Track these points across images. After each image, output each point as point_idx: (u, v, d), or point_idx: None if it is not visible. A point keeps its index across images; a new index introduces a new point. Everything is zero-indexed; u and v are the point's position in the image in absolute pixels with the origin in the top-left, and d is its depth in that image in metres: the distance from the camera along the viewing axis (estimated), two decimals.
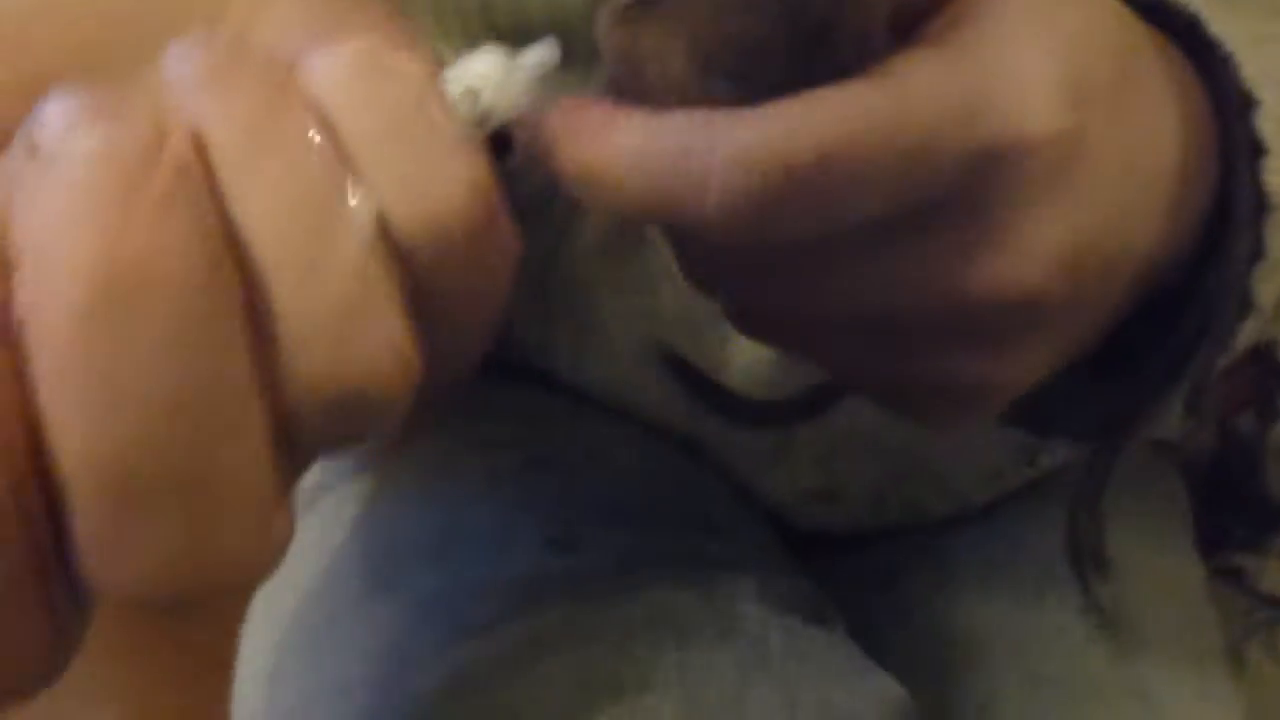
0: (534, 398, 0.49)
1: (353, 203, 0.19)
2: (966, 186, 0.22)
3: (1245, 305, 0.27)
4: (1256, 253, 0.27)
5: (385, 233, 0.19)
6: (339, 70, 0.20)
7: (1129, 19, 0.26)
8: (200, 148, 0.18)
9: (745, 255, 0.24)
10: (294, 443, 0.19)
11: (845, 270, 0.24)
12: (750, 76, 0.21)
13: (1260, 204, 0.27)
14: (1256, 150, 0.26)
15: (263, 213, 0.18)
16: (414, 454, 0.47)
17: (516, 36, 0.34)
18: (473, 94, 0.22)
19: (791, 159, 0.21)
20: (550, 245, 0.44)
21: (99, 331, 0.17)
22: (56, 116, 0.18)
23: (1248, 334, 0.28)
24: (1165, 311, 0.28)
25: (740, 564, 0.42)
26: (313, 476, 0.49)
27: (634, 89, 0.22)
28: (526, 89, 0.23)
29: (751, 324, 0.28)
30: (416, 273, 0.19)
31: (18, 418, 0.17)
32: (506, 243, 0.21)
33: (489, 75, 0.22)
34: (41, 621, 0.18)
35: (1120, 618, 0.46)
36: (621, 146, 0.22)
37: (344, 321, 0.18)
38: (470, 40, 0.35)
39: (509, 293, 0.22)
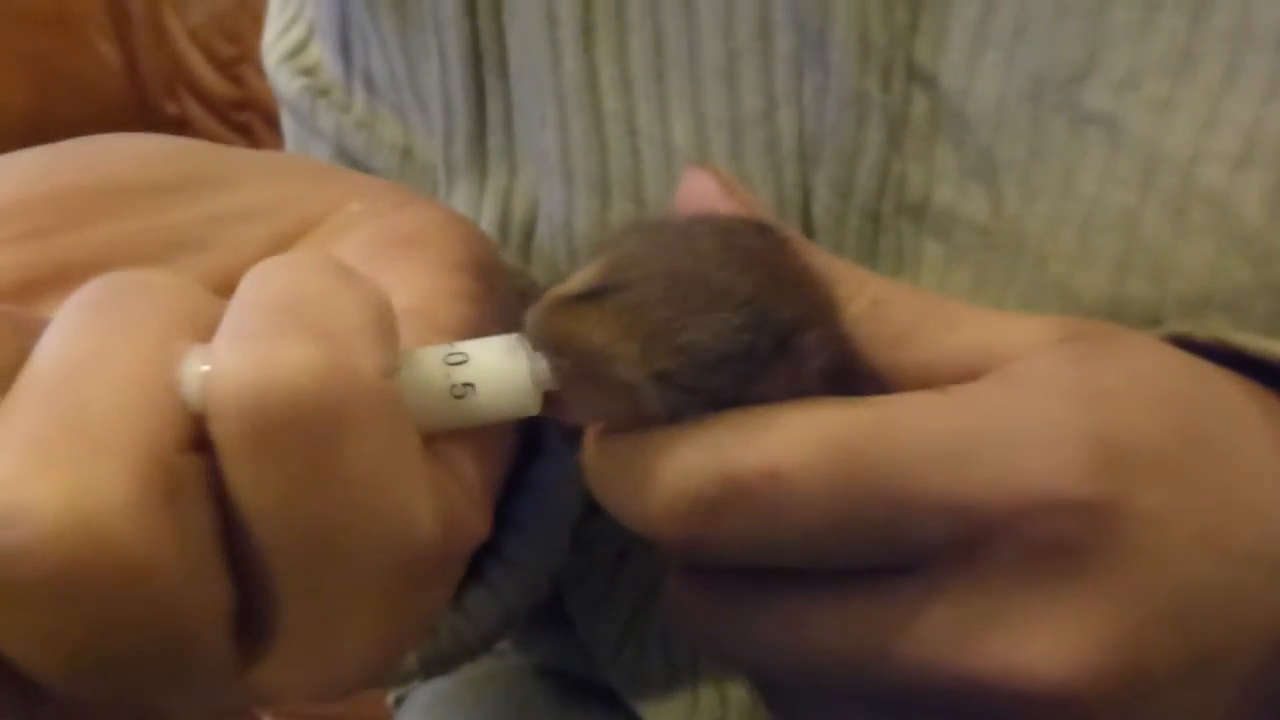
0: None
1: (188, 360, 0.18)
2: (964, 546, 0.19)
3: None
4: None
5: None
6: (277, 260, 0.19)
7: (1206, 373, 0.22)
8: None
9: (738, 597, 0.21)
10: None
11: (834, 619, 0.20)
12: (704, 388, 0.19)
13: None
14: None
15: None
16: None
17: None
18: (458, 359, 0.20)
19: (733, 469, 0.18)
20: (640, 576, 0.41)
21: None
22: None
23: None
24: None
25: None
26: None
27: (578, 377, 0.20)
28: (529, 384, 0.20)
29: (776, 703, 0.24)
30: (224, 448, 0.17)
31: None
32: (369, 491, 0.18)
33: (489, 356, 0.20)
34: None
35: None
36: (587, 457, 0.21)
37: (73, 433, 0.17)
38: None
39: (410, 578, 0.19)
